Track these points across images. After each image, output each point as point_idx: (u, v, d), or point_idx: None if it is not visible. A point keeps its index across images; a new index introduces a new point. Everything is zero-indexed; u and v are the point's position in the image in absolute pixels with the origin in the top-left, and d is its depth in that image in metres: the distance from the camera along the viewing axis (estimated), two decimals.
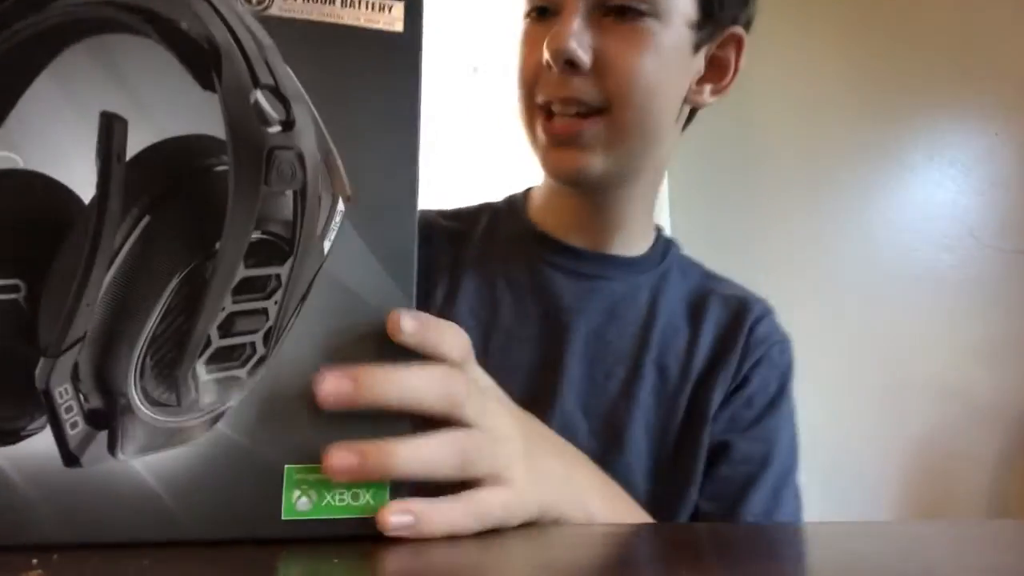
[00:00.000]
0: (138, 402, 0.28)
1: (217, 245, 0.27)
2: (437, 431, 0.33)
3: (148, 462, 0.28)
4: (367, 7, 0.31)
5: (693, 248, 0.76)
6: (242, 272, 0.28)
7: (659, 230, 0.73)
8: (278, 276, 0.28)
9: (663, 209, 1.52)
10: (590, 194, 0.65)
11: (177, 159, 0.28)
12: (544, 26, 0.60)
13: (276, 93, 0.28)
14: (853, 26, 1.70)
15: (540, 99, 0.61)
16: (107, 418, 0.28)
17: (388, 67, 0.31)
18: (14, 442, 0.27)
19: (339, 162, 0.30)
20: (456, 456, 0.33)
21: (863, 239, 1.67)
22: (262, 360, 0.29)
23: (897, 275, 1.66)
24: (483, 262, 0.68)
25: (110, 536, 0.28)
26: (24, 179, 0.27)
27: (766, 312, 0.68)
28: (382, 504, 0.30)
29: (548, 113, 0.61)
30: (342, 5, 0.30)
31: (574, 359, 0.64)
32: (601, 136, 0.60)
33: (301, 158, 0.28)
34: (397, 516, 0.30)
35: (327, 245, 0.29)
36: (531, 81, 0.61)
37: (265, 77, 0.28)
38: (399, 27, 0.31)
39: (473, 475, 0.34)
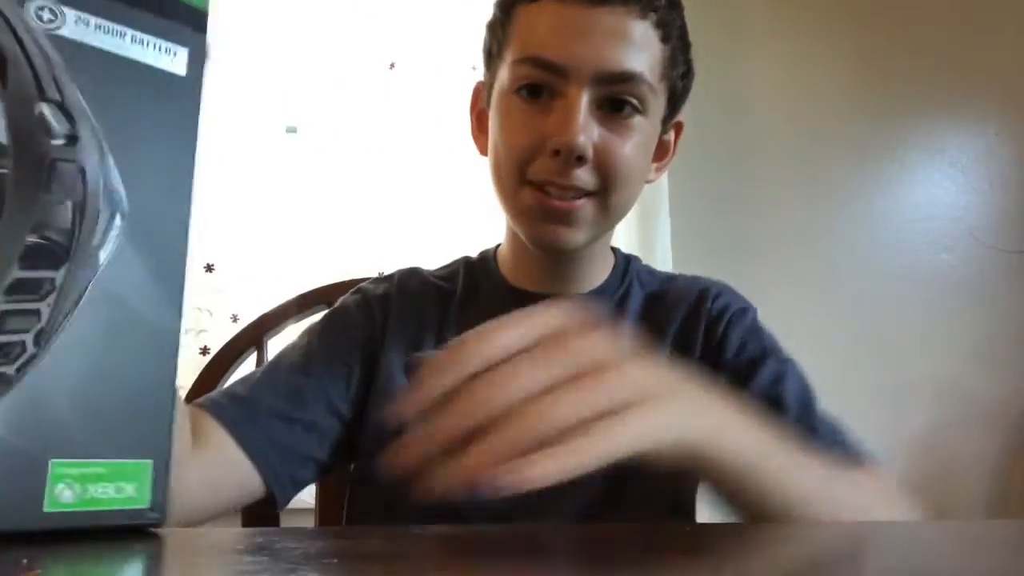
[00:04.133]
0: None
1: None
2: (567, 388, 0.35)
3: None
4: (154, 48, 0.33)
5: (692, 248, 0.79)
6: (17, 273, 0.29)
7: (616, 252, 0.78)
8: (52, 280, 0.30)
9: (663, 209, 1.52)
10: (560, 254, 0.70)
11: None
12: (537, 107, 0.64)
13: (62, 108, 0.29)
14: (853, 26, 1.70)
15: (534, 177, 0.64)
16: None
17: (169, 105, 0.33)
18: None
19: (119, 182, 0.32)
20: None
21: (863, 239, 1.67)
22: (32, 359, 0.30)
23: (897, 275, 1.65)
24: (465, 318, 0.73)
25: None
26: None
27: (723, 288, 0.74)
28: (145, 495, 0.32)
29: (539, 188, 0.64)
30: (131, 41, 0.32)
31: None
32: (590, 215, 0.65)
33: (83, 172, 0.30)
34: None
35: (103, 256, 0.31)
36: (525, 159, 0.64)
37: (52, 92, 0.29)
38: (182, 71, 0.34)
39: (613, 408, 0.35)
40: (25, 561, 0.26)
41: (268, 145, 1.50)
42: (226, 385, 0.68)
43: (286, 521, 0.85)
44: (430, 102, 1.51)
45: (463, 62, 1.51)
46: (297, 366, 0.68)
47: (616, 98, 0.63)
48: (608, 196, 0.65)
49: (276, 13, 1.51)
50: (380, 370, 0.70)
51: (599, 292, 0.73)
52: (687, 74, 0.70)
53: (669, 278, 0.77)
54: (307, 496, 1.37)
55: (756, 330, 0.71)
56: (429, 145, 1.50)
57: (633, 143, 0.64)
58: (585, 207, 0.64)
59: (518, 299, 0.70)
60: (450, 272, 0.78)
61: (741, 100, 1.65)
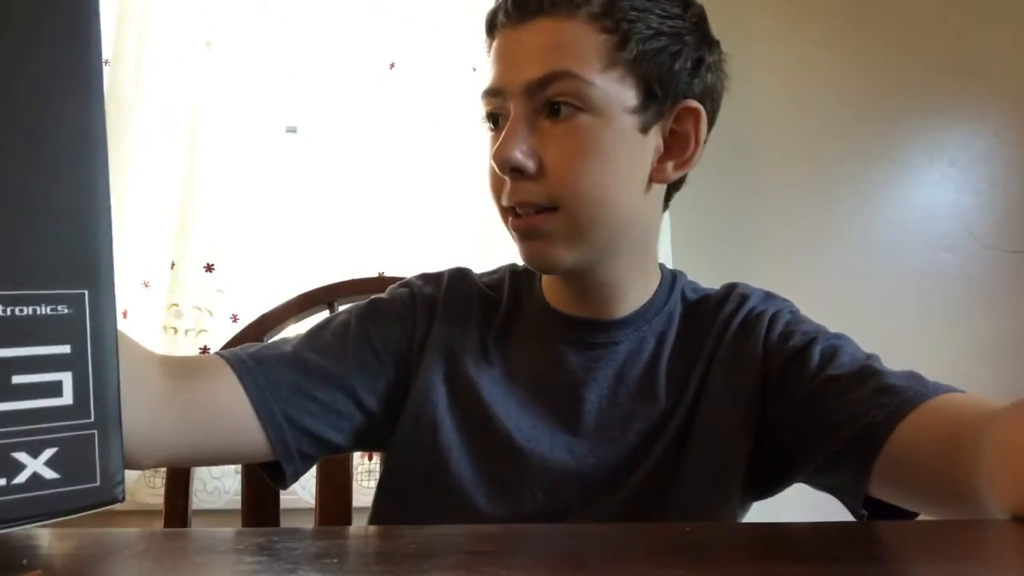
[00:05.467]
0: None
1: None
2: None
3: None
4: None
5: (692, 249, 0.78)
6: None
7: (663, 269, 0.75)
8: None
9: None
10: (579, 276, 0.68)
11: None
12: (497, 134, 0.65)
13: None
14: (852, 26, 1.70)
15: (504, 202, 0.65)
16: None
17: None
18: None
19: None
20: None
21: (863, 239, 1.67)
22: None
23: (897, 275, 1.66)
24: (506, 335, 0.73)
25: None
26: None
27: (758, 294, 0.74)
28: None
29: (512, 212, 0.65)
30: None
31: (589, 427, 0.68)
32: (559, 231, 0.64)
33: None
34: None
35: None
36: (497, 186, 0.66)
37: None
38: None
39: None
40: (25, 561, 0.26)
41: (268, 145, 1.50)
42: (255, 346, 0.67)
43: (286, 521, 0.85)
44: (430, 102, 1.51)
45: (463, 62, 1.51)
46: (329, 348, 0.68)
47: (552, 102, 0.62)
48: (569, 210, 0.63)
49: (276, 13, 1.51)
50: (419, 374, 0.70)
51: (638, 315, 0.71)
52: (675, 53, 0.64)
53: (707, 292, 0.76)
54: (307, 496, 1.38)
55: (797, 322, 0.70)
56: (429, 145, 1.50)
57: (581, 148, 0.62)
58: (548, 222, 0.63)
59: (556, 321, 0.71)
60: (496, 280, 0.77)
61: (741, 99, 1.64)
